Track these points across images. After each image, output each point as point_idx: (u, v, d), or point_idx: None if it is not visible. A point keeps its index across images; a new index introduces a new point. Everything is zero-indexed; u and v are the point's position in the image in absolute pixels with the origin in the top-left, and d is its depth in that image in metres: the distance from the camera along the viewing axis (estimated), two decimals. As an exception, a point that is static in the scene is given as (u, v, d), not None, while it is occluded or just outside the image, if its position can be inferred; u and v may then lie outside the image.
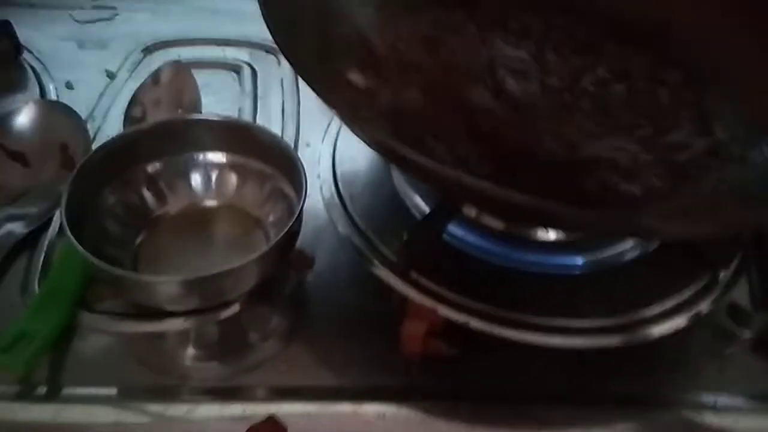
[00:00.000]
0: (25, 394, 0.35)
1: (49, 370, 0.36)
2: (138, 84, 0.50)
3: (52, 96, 0.52)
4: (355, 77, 0.43)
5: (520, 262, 0.40)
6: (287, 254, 0.39)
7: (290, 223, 0.37)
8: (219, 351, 0.38)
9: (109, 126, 0.49)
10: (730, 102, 0.44)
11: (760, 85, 0.44)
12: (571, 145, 0.41)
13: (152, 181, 0.42)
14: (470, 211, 0.42)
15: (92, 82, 0.53)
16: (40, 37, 0.57)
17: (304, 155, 0.45)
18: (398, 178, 0.45)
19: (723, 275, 0.41)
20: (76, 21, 0.59)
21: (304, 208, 0.38)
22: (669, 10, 0.48)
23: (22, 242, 0.41)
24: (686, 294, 0.40)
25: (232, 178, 0.43)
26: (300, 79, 0.37)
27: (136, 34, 0.58)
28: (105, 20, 0.60)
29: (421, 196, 0.44)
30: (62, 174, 0.43)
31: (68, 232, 0.35)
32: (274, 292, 0.40)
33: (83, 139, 0.46)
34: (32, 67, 0.54)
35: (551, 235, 0.42)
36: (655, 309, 0.39)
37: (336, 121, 0.49)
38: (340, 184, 0.45)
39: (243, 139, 0.42)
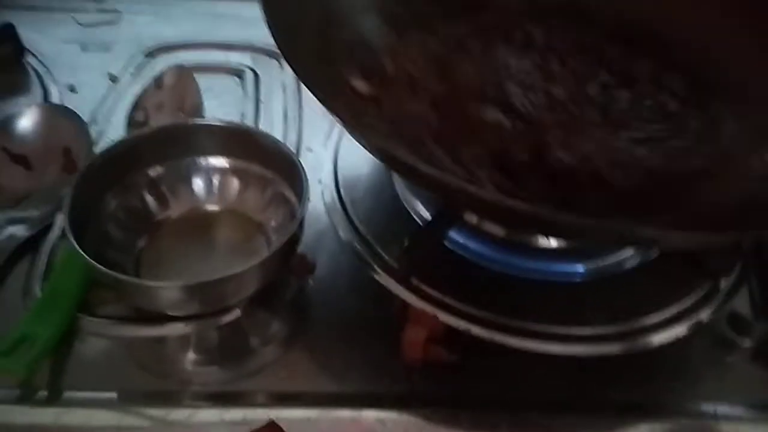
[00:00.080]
0: (26, 397, 0.35)
1: (50, 373, 0.36)
2: (141, 87, 0.50)
3: (55, 99, 0.52)
4: (357, 84, 0.43)
5: (520, 269, 0.41)
6: (288, 259, 0.39)
7: (292, 229, 0.37)
8: (220, 356, 0.38)
9: (112, 130, 0.49)
10: (734, 108, 0.44)
11: (763, 90, 0.44)
12: (574, 153, 0.41)
13: (154, 186, 0.42)
14: (471, 218, 0.42)
15: (95, 85, 0.53)
16: (44, 40, 0.57)
17: (306, 160, 0.45)
18: (399, 184, 0.45)
19: (724, 284, 0.41)
20: (80, 24, 0.60)
21: (306, 213, 0.38)
22: (670, 14, 0.48)
23: (23, 245, 0.41)
24: (687, 302, 0.40)
25: (234, 183, 0.43)
26: (302, 84, 0.37)
27: (139, 38, 0.58)
28: (108, 24, 0.60)
29: (423, 202, 0.44)
30: (64, 177, 0.44)
31: (70, 236, 0.35)
32: (275, 298, 0.40)
33: (86, 143, 0.46)
34: (35, 70, 0.54)
35: (552, 242, 0.42)
36: (656, 317, 0.39)
37: (338, 127, 0.49)
38: (341, 190, 0.46)
39: (245, 143, 0.42)
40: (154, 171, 0.42)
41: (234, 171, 0.43)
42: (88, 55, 0.57)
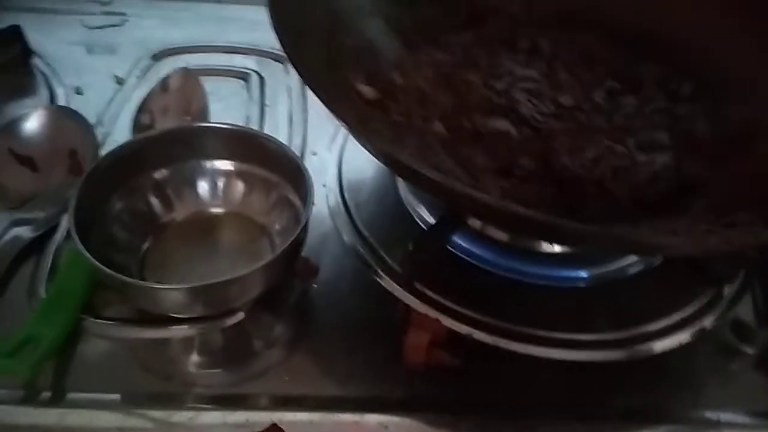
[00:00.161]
0: (30, 398, 0.35)
1: (54, 374, 0.36)
2: (146, 90, 0.50)
3: (62, 101, 0.52)
4: (363, 88, 0.43)
5: (524, 274, 0.41)
6: (292, 263, 0.39)
7: (296, 232, 0.37)
8: (223, 358, 0.38)
9: (118, 132, 0.49)
10: (738, 110, 0.44)
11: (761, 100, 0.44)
12: (581, 160, 0.41)
13: (159, 188, 0.42)
14: (475, 223, 0.42)
15: (101, 87, 0.53)
16: (50, 43, 0.57)
17: (311, 164, 0.45)
18: (403, 189, 0.45)
19: (727, 291, 0.41)
20: (86, 27, 0.60)
21: (310, 216, 0.38)
22: (672, 17, 0.48)
23: (29, 247, 0.41)
24: (690, 309, 0.40)
25: (239, 186, 0.43)
26: (308, 88, 0.37)
27: (145, 41, 0.58)
28: (114, 26, 0.60)
29: (427, 207, 0.44)
30: (70, 179, 0.44)
31: (75, 238, 0.35)
32: (279, 301, 0.40)
33: (92, 145, 0.46)
34: (42, 72, 0.54)
35: (556, 248, 0.42)
36: (659, 324, 0.39)
37: (342, 131, 0.50)
38: (345, 193, 0.46)
39: (250, 147, 0.43)
40: (160, 173, 0.42)
41: (239, 174, 0.43)
42: (94, 58, 0.57)
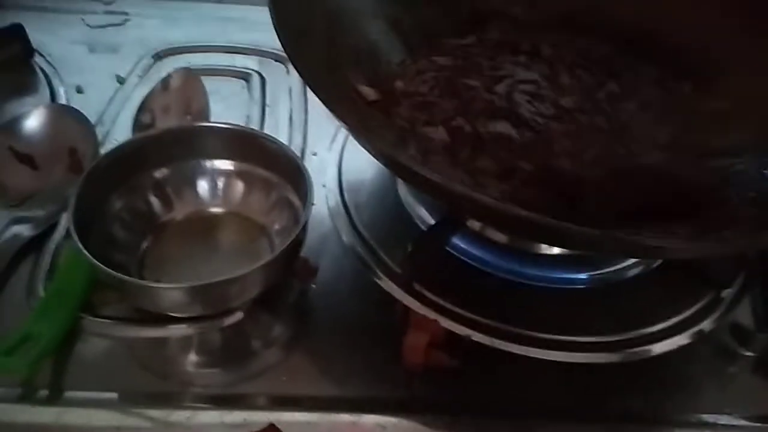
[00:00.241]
0: (28, 396, 0.35)
1: (52, 373, 0.36)
2: (148, 89, 0.50)
3: (62, 100, 0.52)
4: (363, 89, 0.43)
5: (523, 276, 0.41)
6: (291, 263, 0.39)
7: (295, 232, 0.37)
8: (221, 358, 0.38)
9: (118, 131, 0.49)
10: (737, 111, 0.44)
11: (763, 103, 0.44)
12: (582, 162, 0.41)
13: (159, 187, 0.42)
14: (474, 225, 0.42)
15: (102, 86, 0.53)
16: (52, 41, 0.57)
17: (311, 164, 0.45)
18: (403, 190, 0.45)
19: (726, 294, 0.41)
20: (88, 26, 0.60)
21: (309, 216, 0.38)
22: (671, 18, 0.48)
23: (28, 245, 0.41)
24: (689, 312, 0.40)
25: (239, 186, 0.43)
26: (308, 89, 0.37)
27: (146, 40, 0.58)
28: (116, 25, 0.60)
29: (426, 208, 0.44)
30: (70, 178, 0.44)
31: (75, 237, 0.35)
32: (278, 301, 0.40)
33: (92, 144, 0.46)
34: (43, 71, 0.54)
35: (555, 249, 0.42)
36: (658, 326, 0.39)
37: (343, 131, 0.50)
38: (345, 194, 0.46)
39: (250, 147, 0.43)
40: (160, 173, 0.42)
41: (239, 174, 0.43)
42: (95, 57, 0.57)
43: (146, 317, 0.38)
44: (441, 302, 0.39)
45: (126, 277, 0.36)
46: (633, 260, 0.42)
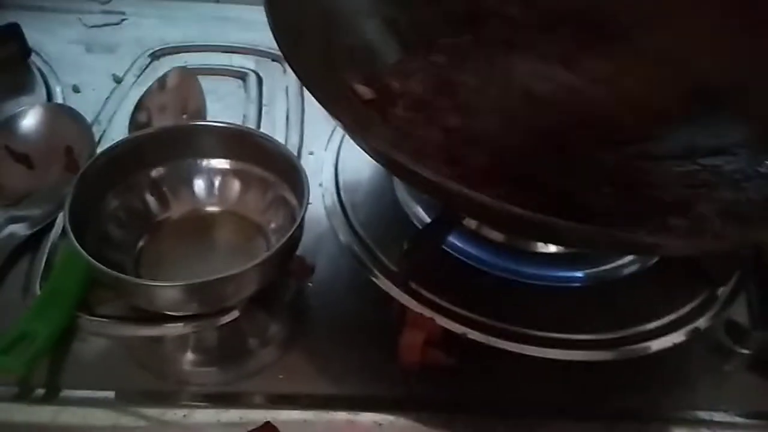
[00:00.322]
0: (24, 395, 0.35)
1: (48, 372, 0.36)
2: (144, 89, 0.50)
3: (59, 99, 0.52)
4: (360, 89, 0.43)
5: (519, 274, 0.41)
6: (288, 261, 0.39)
7: (291, 231, 0.37)
8: (217, 356, 0.38)
9: (115, 130, 0.49)
10: (732, 118, 0.44)
11: (760, 103, 0.44)
12: (575, 161, 0.42)
13: (155, 186, 0.42)
14: (471, 223, 0.42)
15: (99, 86, 0.53)
16: (49, 41, 0.57)
17: (307, 163, 0.45)
18: (400, 188, 0.45)
19: (722, 292, 0.41)
20: (85, 25, 0.60)
21: (306, 215, 0.38)
22: (670, 19, 0.48)
23: (24, 244, 0.41)
24: (685, 310, 0.40)
25: (235, 185, 0.43)
26: (305, 88, 0.38)
27: (143, 40, 0.58)
28: (113, 25, 0.60)
29: (422, 207, 0.44)
30: (66, 177, 0.44)
31: (71, 235, 0.35)
32: (274, 299, 0.40)
33: (88, 143, 0.46)
34: (40, 70, 0.54)
35: (551, 247, 0.42)
36: (654, 324, 0.39)
37: (339, 131, 0.50)
38: (342, 193, 0.46)
39: (246, 146, 0.43)
40: (156, 171, 0.42)
41: (235, 173, 0.43)
42: (92, 56, 0.57)
43: (142, 316, 0.38)
44: (437, 300, 0.39)
45: (122, 276, 0.36)
46: (629, 258, 0.42)
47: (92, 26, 0.60)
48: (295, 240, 0.38)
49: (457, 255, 0.41)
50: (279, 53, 0.37)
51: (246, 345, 0.39)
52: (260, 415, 0.35)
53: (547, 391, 0.37)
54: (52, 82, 0.53)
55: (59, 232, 0.42)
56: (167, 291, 0.36)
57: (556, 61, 0.48)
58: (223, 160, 0.43)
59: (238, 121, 0.51)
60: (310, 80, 0.36)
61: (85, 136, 0.46)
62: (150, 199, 0.42)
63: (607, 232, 0.33)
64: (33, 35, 0.55)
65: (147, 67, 0.56)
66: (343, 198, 0.45)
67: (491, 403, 0.37)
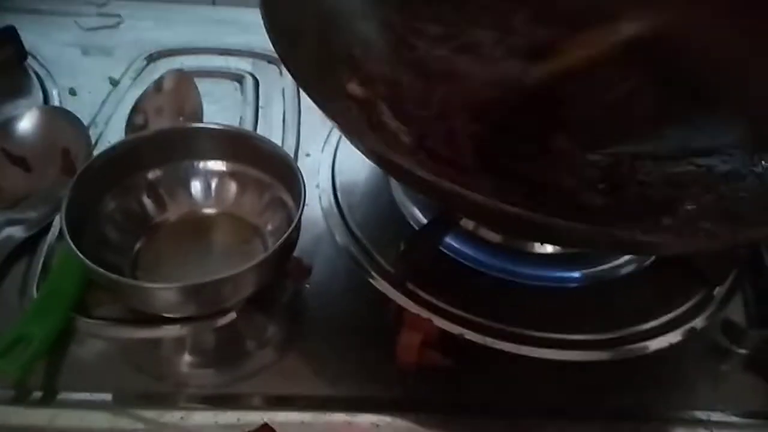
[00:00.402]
0: (21, 398, 0.35)
1: (46, 374, 0.36)
2: (141, 91, 0.50)
3: (55, 102, 0.52)
4: (356, 90, 0.43)
5: (516, 275, 0.41)
6: (285, 263, 0.39)
7: (288, 232, 0.37)
8: (215, 358, 0.38)
9: (111, 132, 0.49)
10: (726, 118, 0.44)
11: (756, 103, 0.44)
12: (571, 159, 0.42)
13: (152, 188, 0.42)
14: (467, 224, 0.42)
15: (95, 88, 0.53)
16: (45, 44, 0.57)
17: (304, 165, 0.45)
18: (396, 189, 0.46)
19: (718, 291, 0.42)
20: (81, 28, 0.60)
21: (303, 217, 0.38)
22: (669, 17, 0.48)
23: (21, 246, 0.41)
24: (681, 310, 0.40)
25: (232, 187, 0.43)
26: (301, 90, 0.38)
27: (139, 42, 0.58)
28: (109, 28, 0.60)
29: (419, 208, 0.44)
30: (63, 179, 0.44)
31: (68, 238, 0.35)
32: (271, 301, 0.40)
33: (85, 145, 0.46)
34: (36, 73, 0.54)
35: (548, 248, 0.42)
36: (651, 324, 0.40)
37: (336, 132, 0.50)
38: (338, 194, 0.46)
39: (243, 148, 0.43)
40: (153, 174, 0.42)
41: (232, 175, 0.43)
42: (89, 59, 0.57)
43: (140, 318, 0.38)
44: (434, 301, 0.39)
45: (119, 278, 0.36)
46: (626, 258, 0.42)
47: (88, 29, 0.60)
48: (292, 241, 0.38)
49: (454, 256, 0.41)
50: (275, 55, 0.37)
51: (243, 346, 0.39)
52: (258, 417, 0.35)
53: (544, 392, 0.37)
54: (48, 84, 0.53)
55: (56, 234, 0.42)
56: (164, 293, 0.36)
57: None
58: (219, 162, 0.43)
59: (235, 123, 0.51)
60: (306, 82, 0.36)
61: (82, 138, 0.46)
62: (147, 201, 0.42)
63: (604, 231, 0.33)
64: (29, 38, 0.55)
65: (143, 69, 0.56)
66: (340, 199, 0.46)
67: (488, 403, 0.37)
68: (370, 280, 0.41)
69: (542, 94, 0.45)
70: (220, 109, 0.52)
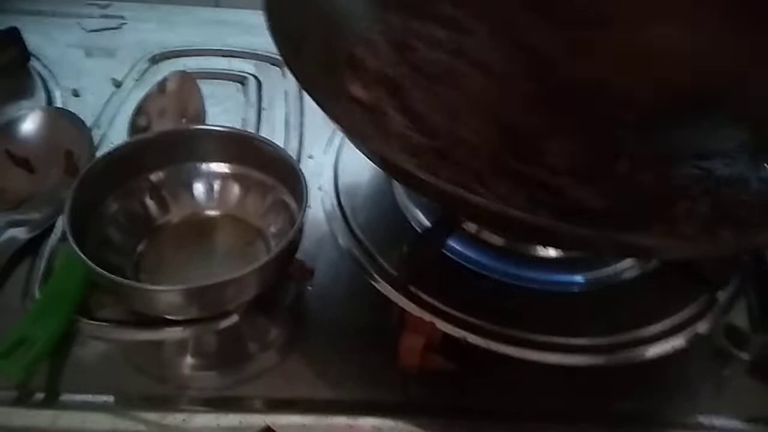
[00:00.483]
0: (23, 399, 0.35)
1: (48, 376, 0.36)
2: (143, 93, 0.51)
3: (59, 103, 0.52)
4: (358, 92, 0.43)
5: (519, 279, 0.41)
6: (287, 265, 0.39)
7: (291, 234, 0.37)
8: (217, 361, 0.38)
9: (114, 134, 0.49)
10: (729, 123, 0.44)
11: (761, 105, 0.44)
12: (575, 163, 0.42)
13: (155, 190, 0.42)
14: (470, 227, 0.42)
15: (98, 90, 0.53)
16: (49, 45, 0.57)
17: (307, 167, 0.45)
18: (399, 192, 0.45)
19: (722, 296, 0.41)
20: (84, 29, 0.60)
21: (305, 219, 0.38)
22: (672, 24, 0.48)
23: (24, 248, 0.41)
24: (685, 314, 0.40)
25: (235, 189, 0.43)
26: (304, 92, 0.38)
27: (143, 44, 0.58)
28: (113, 29, 0.60)
29: (422, 210, 0.44)
30: (66, 181, 0.44)
31: (70, 239, 0.35)
32: (274, 303, 0.40)
33: (88, 147, 0.46)
34: (39, 74, 0.54)
35: (551, 252, 0.42)
36: (654, 328, 0.39)
37: (339, 134, 0.50)
38: (341, 197, 0.46)
39: (246, 150, 0.43)
40: (156, 175, 0.42)
41: (235, 177, 0.43)
42: (92, 60, 0.57)
43: (142, 320, 0.38)
44: (437, 304, 0.39)
45: (121, 280, 0.36)
46: (629, 263, 0.42)
47: (92, 30, 0.60)
48: (294, 244, 0.38)
49: (456, 259, 0.41)
50: (278, 57, 0.38)
51: (245, 349, 0.39)
52: (260, 420, 0.35)
53: (547, 396, 0.37)
54: (51, 86, 0.53)
55: (59, 236, 0.42)
56: (167, 295, 0.36)
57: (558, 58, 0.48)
58: (222, 164, 0.43)
59: (238, 125, 0.51)
60: (309, 84, 0.36)
61: (85, 140, 0.47)
62: (150, 203, 0.42)
63: (606, 235, 0.33)
64: (33, 39, 0.56)
65: (146, 71, 0.56)
66: (343, 201, 0.46)
67: (491, 407, 0.37)
68: (373, 283, 0.40)
69: (547, 96, 0.45)
70: (222, 110, 0.52)
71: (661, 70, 0.47)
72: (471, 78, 0.46)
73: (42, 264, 0.41)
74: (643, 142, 0.44)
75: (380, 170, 0.42)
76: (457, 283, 0.41)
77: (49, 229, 0.42)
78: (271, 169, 0.42)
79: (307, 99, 0.35)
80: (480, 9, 0.50)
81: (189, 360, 0.38)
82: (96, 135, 0.49)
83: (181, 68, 0.54)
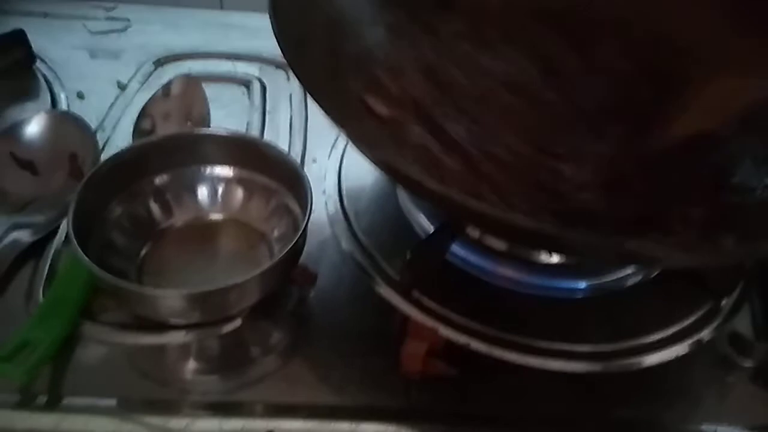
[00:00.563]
0: (26, 402, 0.35)
1: (51, 379, 0.36)
2: (148, 95, 0.51)
3: (63, 106, 0.52)
4: (364, 96, 0.43)
5: (522, 285, 0.41)
6: (290, 270, 0.39)
7: (294, 239, 0.37)
8: (220, 365, 0.38)
9: (119, 137, 0.49)
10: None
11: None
12: (579, 169, 0.41)
13: (159, 194, 0.42)
14: (474, 232, 0.42)
15: (103, 92, 0.53)
16: (54, 47, 0.57)
17: (311, 171, 0.45)
18: (403, 197, 0.45)
19: (725, 303, 0.41)
20: (89, 31, 0.60)
21: (309, 223, 0.38)
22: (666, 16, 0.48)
23: (28, 250, 0.41)
24: (688, 321, 0.40)
25: (239, 193, 0.43)
26: (309, 96, 0.38)
27: (148, 46, 0.58)
28: (118, 31, 0.61)
29: (426, 215, 0.44)
30: (70, 184, 0.44)
31: (74, 242, 0.35)
32: (276, 308, 0.40)
33: (92, 150, 0.46)
34: (44, 77, 0.54)
35: (554, 258, 0.42)
36: (657, 335, 0.39)
37: (343, 138, 0.50)
38: (345, 201, 0.46)
39: (250, 153, 0.43)
40: (160, 179, 0.42)
41: (239, 180, 0.43)
42: (97, 63, 0.57)
43: (145, 324, 0.38)
44: (440, 310, 0.39)
45: (125, 283, 0.36)
46: (632, 269, 0.42)
47: (97, 33, 0.60)
48: (298, 248, 0.38)
49: (460, 265, 0.41)
50: (283, 60, 0.38)
51: (248, 354, 0.39)
52: (262, 425, 0.35)
53: (550, 402, 0.37)
54: (56, 88, 0.53)
55: (63, 239, 0.42)
56: (170, 299, 0.36)
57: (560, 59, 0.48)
58: (226, 168, 0.43)
59: (242, 129, 0.51)
60: (314, 88, 0.36)
61: (90, 143, 0.47)
62: (153, 206, 0.42)
63: (611, 242, 0.32)
64: (38, 41, 0.56)
65: (151, 73, 0.56)
66: (346, 206, 0.45)
67: (494, 413, 0.37)
68: (376, 288, 0.40)
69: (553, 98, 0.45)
70: (227, 114, 0.52)
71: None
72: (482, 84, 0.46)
73: (45, 267, 0.41)
74: (647, 148, 0.44)
75: (384, 175, 0.42)
76: (460, 288, 0.41)
77: (53, 232, 0.42)
78: (275, 173, 0.42)
79: (312, 103, 0.35)
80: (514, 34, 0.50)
81: (192, 364, 0.38)
82: (100, 138, 0.49)
83: (186, 71, 0.55)
